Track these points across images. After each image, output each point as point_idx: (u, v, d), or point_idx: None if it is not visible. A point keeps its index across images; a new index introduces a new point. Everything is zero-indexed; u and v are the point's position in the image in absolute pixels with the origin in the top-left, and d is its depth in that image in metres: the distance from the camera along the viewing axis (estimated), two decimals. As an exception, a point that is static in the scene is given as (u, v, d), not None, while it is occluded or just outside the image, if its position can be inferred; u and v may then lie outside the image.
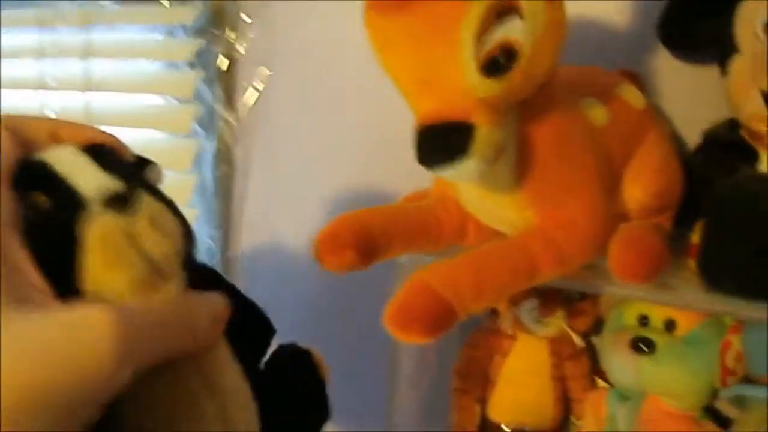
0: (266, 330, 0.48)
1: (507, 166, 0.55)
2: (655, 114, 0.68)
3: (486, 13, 0.46)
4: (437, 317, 0.50)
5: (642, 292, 0.60)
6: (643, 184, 0.64)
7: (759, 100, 0.61)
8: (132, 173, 0.37)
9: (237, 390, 0.39)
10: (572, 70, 0.66)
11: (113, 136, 0.39)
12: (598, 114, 0.61)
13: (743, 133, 0.65)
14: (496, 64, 0.47)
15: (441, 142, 0.47)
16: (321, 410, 0.50)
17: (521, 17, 0.47)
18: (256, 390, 0.41)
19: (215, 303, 0.37)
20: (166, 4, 1.02)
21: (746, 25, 0.63)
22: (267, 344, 0.48)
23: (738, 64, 0.64)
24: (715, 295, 0.57)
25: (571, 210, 0.57)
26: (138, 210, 0.33)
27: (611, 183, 0.62)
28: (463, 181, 0.58)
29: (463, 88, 0.47)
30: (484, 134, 0.46)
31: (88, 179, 0.33)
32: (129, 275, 0.32)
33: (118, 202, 0.33)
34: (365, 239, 0.57)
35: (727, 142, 0.67)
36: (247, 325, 0.43)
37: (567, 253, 0.56)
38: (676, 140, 0.77)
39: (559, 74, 0.56)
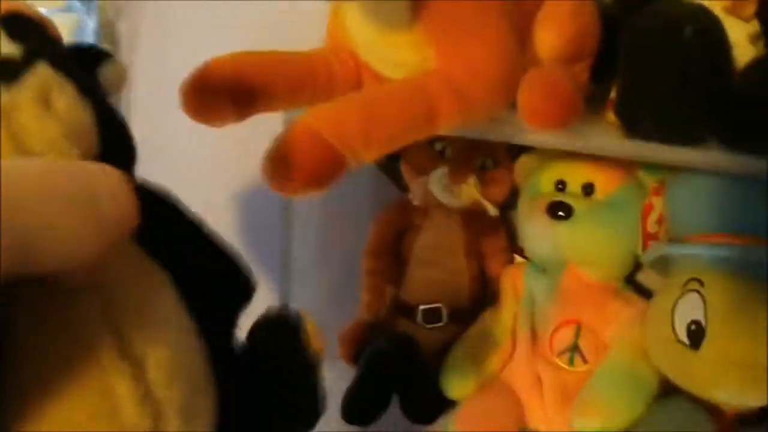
0: (243, 285, 0.39)
1: None
2: None
3: None
4: (323, 164, 0.43)
5: (556, 139, 0.54)
6: (557, 27, 0.57)
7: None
8: (42, 46, 0.30)
9: (174, 355, 0.28)
10: None
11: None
12: None
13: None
14: None
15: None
16: (307, 407, 0.42)
17: None
18: (224, 369, 0.32)
19: (112, 174, 0.25)
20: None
21: None
22: (240, 304, 0.39)
23: None
24: (635, 141, 0.52)
25: (475, 50, 0.51)
26: (24, 82, 0.27)
27: (522, 24, 0.56)
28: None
29: None
30: None
31: None
32: None
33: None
34: (241, 86, 0.50)
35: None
36: (216, 277, 0.35)
37: (470, 96, 0.50)
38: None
39: None
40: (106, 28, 0.93)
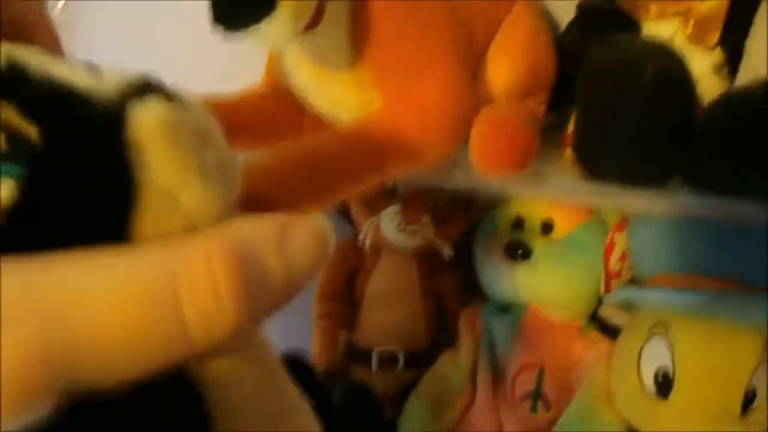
0: None
1: (342, 34, 0.45)
2: None
3: None
4: None
5: (512, 186, 0.51)
6: (510, 61, 0.54)
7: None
8: None
9: None
10: None
11: None
12: None
13: (620, 1, 0.56)
14: None
15: (232, 19, 0.37)
16: None
17: None
18: None
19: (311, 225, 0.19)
20: None
21: None
22: None
23: None
24: (594, 185, 0.49)
25: (422, 90, 0.47)
26: None
27: (472, 60, 0.53)
28: (271, 45, 0.47)
29: None
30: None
31: None
32: None
33: None
34: None
35: (603, 12, 0.58)
36: None
37: (418, 141, 0.46)
38: (548, 14, 0.68)
39: None
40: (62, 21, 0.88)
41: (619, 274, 0.65)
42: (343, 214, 0.77)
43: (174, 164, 0.18)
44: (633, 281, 0.65)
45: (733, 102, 0.47)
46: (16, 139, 0.17)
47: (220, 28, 0.37)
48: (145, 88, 0.19)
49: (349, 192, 0.45)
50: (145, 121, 0.18)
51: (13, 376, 0.14)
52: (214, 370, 0.19)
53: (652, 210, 0.50)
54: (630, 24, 0.57)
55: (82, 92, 0.18)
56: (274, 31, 0.37)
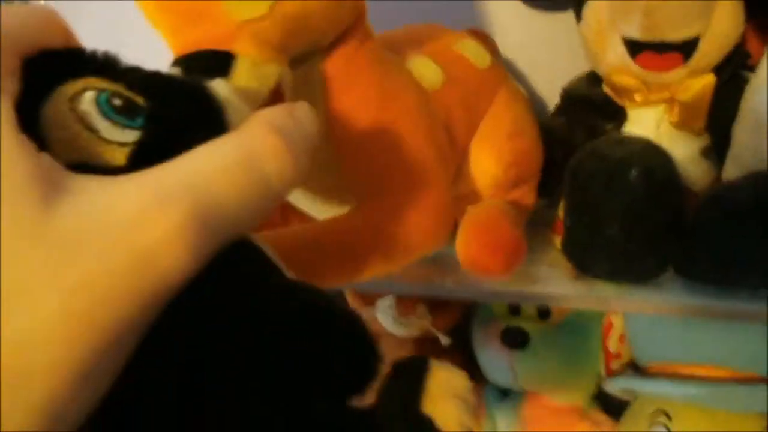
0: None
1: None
2: (504, 73, 0.58)
3: None
4: None
5: (503, 288, 0.50)
6: (495, 154, 0.54)
7: (621, 49, 0.52)
8: None
9: None
10: (408, 28, 0.58)
11: None
12: (431, 74, 0.51)
13: (606, 89, 0.56)
14: None
15: (196, 73, 0.36)
16: None
17: None
18: None
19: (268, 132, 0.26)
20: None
21: (599, -39, 0.53)
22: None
23: (593, 7, 0.54)
24: (586, 286, 0.49)
25: (399, 195, 0.46)
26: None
27: (453, 157, 0.52)
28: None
29: (222, 13, 0.38)
30: (248, 64, 0.38)
31: None
32: None
33: None
34: None
35: (589, 100, 0.58)
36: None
37: (395, 242, 0.45)
38: (533, 101, 0.68)
39: (389, 36, 0.51)
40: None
41: (618, 355, 0.65)
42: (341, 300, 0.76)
43: (240, 114, 0.28)
44: (633, 362, 0.64)
45: (721, 199, 0.46)
46: (130, 104, 0.24)
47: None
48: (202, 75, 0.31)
49: (327, 284, 0.44)
50: (222, 90, 0.28)
51: (178, 242, 0.20)
52: None
53: (646, 311, 0.50)
54: (615, 111, 0.56)
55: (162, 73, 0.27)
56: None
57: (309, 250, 0.43)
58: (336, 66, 0.45)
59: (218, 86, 0.29)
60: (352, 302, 0.71)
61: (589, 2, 0.54)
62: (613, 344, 0.64)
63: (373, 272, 0.45)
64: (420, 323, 0.68)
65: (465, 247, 0.47)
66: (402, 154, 0.46)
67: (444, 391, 0.29)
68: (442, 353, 0.73)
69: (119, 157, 0.23)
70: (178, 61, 0.38)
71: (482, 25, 0.68)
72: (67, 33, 0.27)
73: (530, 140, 0.57)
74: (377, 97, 0.46)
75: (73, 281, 0.19)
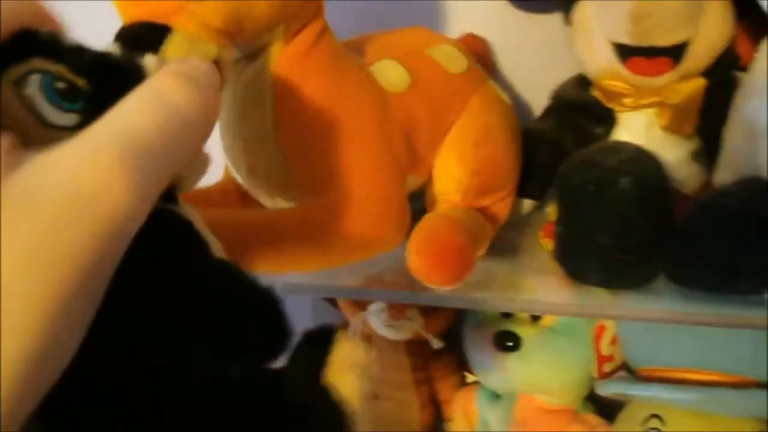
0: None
1: (263, 123, 0.46)
2: (481, 79, 0.58)
3: None
4: None
5: (492, 297, 0.50)
6: (460, 160, 0.54)
7: (610, 54, 0.52)
8: None
9: None
10: (389, 31, 0.58)
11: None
12: (397, 77, 0.51)
13: (594, 92, 0.56)
14: None
15: (131, 43, 0.38)
16: None
17: None
18: None
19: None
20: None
21: (587, -38, 0.53)
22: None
23: (583, 11, 0.54)
24: (577, 293, 0.49)
25: (340, 192, 0.47)
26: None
27: (411, 159, 0.52)
28: None
29: None
30: (181, 38, 0.39)
31: None
32: None
33: None
34: None
35: (578, 103, 0.58)
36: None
37: (333, 241, 0.46)
38: (524, 104, 0.68)
39: (363, 38, 0.54)
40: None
41: (610, 357, 0.65)
42: (332, 302, 0.76)
43: None
44: (625, 365, 0.64)
45: (711, 206, 0.46)
46: (72, 87, 0.26)
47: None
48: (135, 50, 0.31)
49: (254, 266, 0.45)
50: (153, 65, 0.30)
51: (116, 182, 0.22)
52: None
53: (637, 318, 0.50)
54: (605, 114, 0.56)
55: (104, 53, 0.29)
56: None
57: (240, 231, 0.44)
58: (288, 62, 0.46)
59: (150, 62, 0.30)
60: (344, 307, 0.71)
61: (577, 6, 0.54)
62: (605, 347, 0.64)
63: (307, 264, 0.47)
64: (411, 326, 0.68)
65: (409, 255, 0.48)
66: (347, 153, 0.47)
67: (346, 362, 0.31)
68: (435, 355, 0.73)
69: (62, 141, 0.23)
70: (119, 31, 0.39)
71: (475, 27, 0.67)
72: (43, 15, 0.29)
73: (500, 148, 0.56)
74: (327, 96, 0.47)
75: (26, 238, 0.20)
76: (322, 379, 0.31)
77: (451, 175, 0.54)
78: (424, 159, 0.53)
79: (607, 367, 0.65)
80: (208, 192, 0.55)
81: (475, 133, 0.54)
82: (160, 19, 0.39)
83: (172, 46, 0.38)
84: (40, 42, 0.27)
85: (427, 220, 0.50)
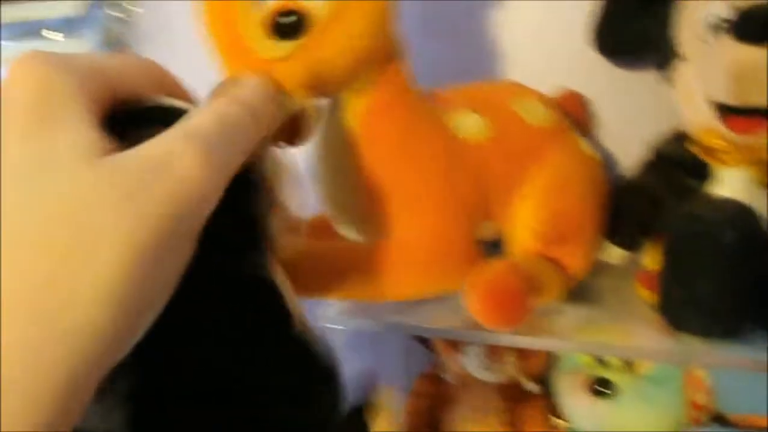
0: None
1: (341, 165, 0.52)
2: (564, 132, 0.60)
3: None
4: None
5: (588, 341, 0.52)
6: (533, 209, 0.56)
7: (709, 112, 0.54)
8: None
9: None
10: (481, 83, 0.63)
11: None
12: (474, 127, 0.55)
13: (693, 148, 0.58)
14: (283, 25, 0.45)
15: None
16: None
17: None
18: None
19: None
20: (60, 38, 0.92)
21: (689, 27, 0.55)
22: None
23: (683, 71, 0.56)
24: (672, 341, 0.51)
25: (405, 229, 0.52)
26: None
27: (481, 205, 0.55)
28: None
29: (251, 51, 0.45)
30: None
31: None
32: None
33: None
34: None
35: (675, 158, 0.60)
36: None
37: (390, 273, 0.52)
38: (618, 156, 0.70)
39: (452, 89, 0.58)
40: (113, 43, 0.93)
41: (702, 406, 0.66)
42: (424, 343, 0.78)
43: None
44: (718, 414, 0.65)
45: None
46: None
47: None
48: None
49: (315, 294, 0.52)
50: None
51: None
52: None
53: (733, 365, 0.51)
54: (703, 169, 0.58)
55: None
56: None
57: (316, 260, 0.52)
58: (366, 112, 0.51)
59: None
60: (441, 348, 0.74)
61: (677, 66, 0.56)
62: (698, 396, 0.65)
63: (369, 295, 0.53)
64: (507, 369, 0.70)
65: (466, 296, 0.51)
66: (413, 198, 0.52)
67: None
68: (525, 399, 0.75)
69: None
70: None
71: (572, 81, 0.70)
72: (167, 83, 0.35)
73: (575, 201, 0.57)
74: (399, 144, 0.52)
75: (127, 209, 0.25)
76: None
77: (524, 223, 0.56)
78: (501, 207, 0.56)
79: (699, 415, 0.65)
80: (311, 222, 0.60)
81: (549, 185, 0.56)
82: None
83: None
84: (161, 111, 0.32)
85: (488, 264, 0.53)
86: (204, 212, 0.28)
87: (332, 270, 0.52)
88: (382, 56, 0.49)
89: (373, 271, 0.52)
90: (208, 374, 0.32)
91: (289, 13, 0.44)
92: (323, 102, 0.49)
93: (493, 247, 0.58)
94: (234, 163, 0.30)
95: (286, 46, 0.44)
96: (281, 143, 0.42)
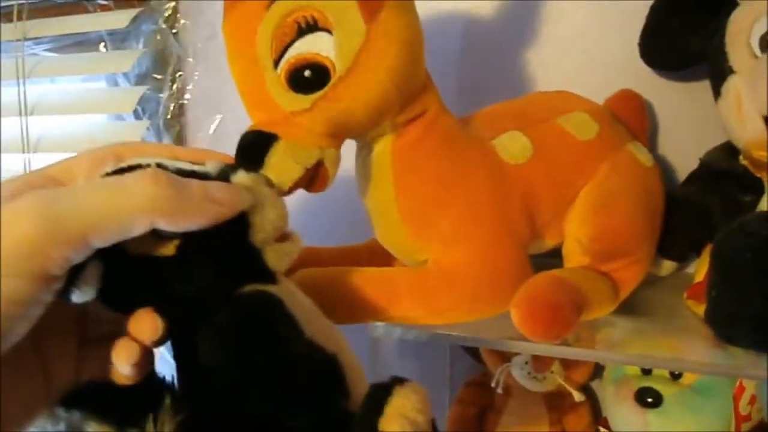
0: None
1: (385, 197, 0.53)
2: (614, 144, 0.60)
3: (280, 23, 0.45)
4: None
5: (638, 353, 0.53)
6: (581, 225, 0.57)
7: (761, 126, 0.55)
8: None
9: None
10: (523, 99, 0.65)
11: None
12: (517, 148, 0.56)
13: (743, 161, 0.58)
14: (303, 79, 0.46)
15: (246, 150, 0.45)
16: None
17: (330, 32, 0.45)
18: None
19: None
20: (105, 50, 0.94)
21: (739, 42, 0.56)
22: None
23: (733, 85, 0.57)
24: (720, 353, 0.51)
25: (451, 256, 0.53)
26: None
27: (529, 224, 0.56)
28: (279, 178, 0.50)
29: (274, 103, 0.47)
30: (283, 146, 0.45)
31: None
32: None
33: None
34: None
35: (726, 171, 0.60)
36: None
37: (437, 299, 0.53)
38: (671, 168, 0.71)
39: (493, 109, 0.61)
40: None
41: (748, 417, 0.66)
42: (472, 352, 0.79)
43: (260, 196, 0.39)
44: (764, 425, 0.65)
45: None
46: None
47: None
48: (233, 167, 0.39)
49: (359, 317, 0.53)
50: (242, 181, 0.39)
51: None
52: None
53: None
54: (753, 183, 0.58)
55: (202, 171, 0.38)
56: (275, 165, 0.44)
57: (360, 286, 0.53)
58: (402, 148, 0.52)
59: (240, 179, 0.39)
60: (488, 358, 0.74)
61: (729, 80, 0.57)
62: (744, 406, 0.65)
63: (411, 318, 0.53)
64: (554, 379, 0.71)
65: (511, 308, 0.50)
66: (459, 226, 0.53)
67: (396, 412, 0.33)
68: (571, 409, 0.76)
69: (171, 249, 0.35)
70: (241, 137, 0.46)
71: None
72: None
73: (622, 217, 0.57)
74: (439, 175, 0.53)
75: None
76: (374, 429, 0.34)
77: (575, 238, 0.57)
78: (552, 224, 0.57)
79: (745, 427, 0.66)
80: (355, 249, 0.64)
81: (598, 203, 0.57)
82: (271, 127, 0.45)
83: (276, 152, 0.44)
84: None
85: (533, 278, 0.53)
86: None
87: (381, 294, 0.53)
88: (407, 96, 0.50)
89: (422, 297, 0.53)
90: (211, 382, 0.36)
91: (305, 67, 0.46)
92: (339, 151, 0.50)
93: (551, 256, 0.59)
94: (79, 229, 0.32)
95: (306, 99, 0.46)
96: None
